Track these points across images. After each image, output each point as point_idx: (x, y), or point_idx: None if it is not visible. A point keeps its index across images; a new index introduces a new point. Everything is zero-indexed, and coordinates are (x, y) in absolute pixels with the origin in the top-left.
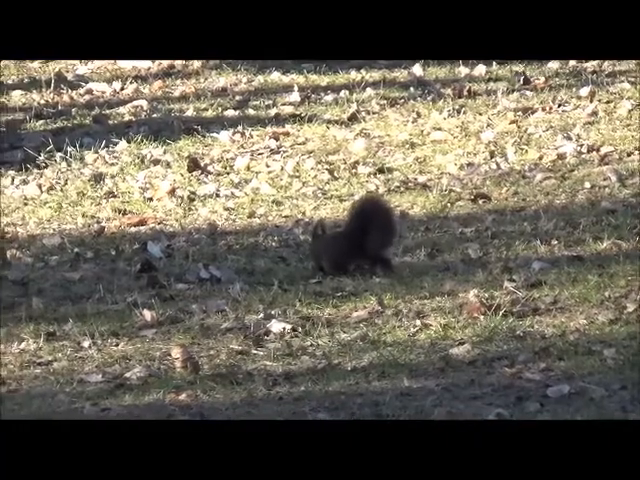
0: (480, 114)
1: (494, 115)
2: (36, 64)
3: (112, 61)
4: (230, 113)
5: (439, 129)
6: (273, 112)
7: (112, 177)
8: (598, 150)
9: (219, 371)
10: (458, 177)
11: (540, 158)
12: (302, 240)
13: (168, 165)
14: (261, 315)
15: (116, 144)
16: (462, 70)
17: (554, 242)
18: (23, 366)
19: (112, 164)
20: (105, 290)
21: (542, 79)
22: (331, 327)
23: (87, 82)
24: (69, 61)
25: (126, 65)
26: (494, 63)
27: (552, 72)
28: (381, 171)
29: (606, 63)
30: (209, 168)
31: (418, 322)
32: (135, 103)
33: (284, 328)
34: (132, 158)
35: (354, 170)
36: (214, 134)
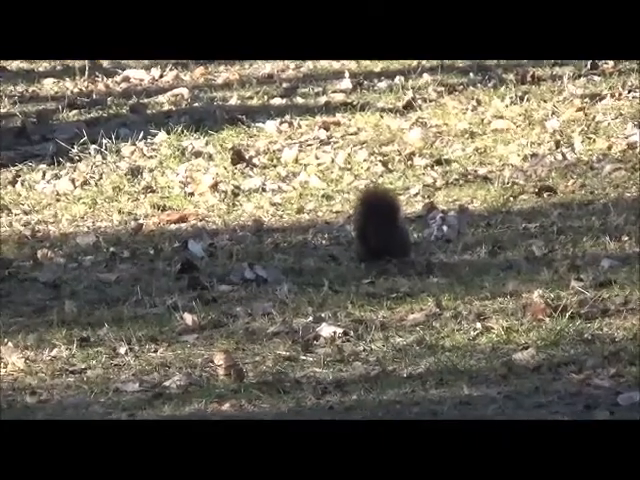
0: (545, 101)
1: (560, 102)
2: None
3: None
4: (277, 101)
5: (501, 117)
6: (323, 100)
7: (150, 171)
8: None
9: (265, 379)
10: (521, 169)
11: (609, 148)
12: (354, 237)
13: (210, 157)
14: (310, 318)
15: (155, 135)
16: None
17: (624, 238)
18: (55, 374)
19: (150, 157)
20: (143, 292)
21: (611, 63)
22: (385, 331)
23: (124, 69)
24: None
25: None
26: None
27: None
28: (439, 163)
29: None
30: (254, 160)
31: (479, 325)
32: (175, 91)
33: (335, 332)
34: (172, 150)
35: (409, 162)
36: (260, 124)
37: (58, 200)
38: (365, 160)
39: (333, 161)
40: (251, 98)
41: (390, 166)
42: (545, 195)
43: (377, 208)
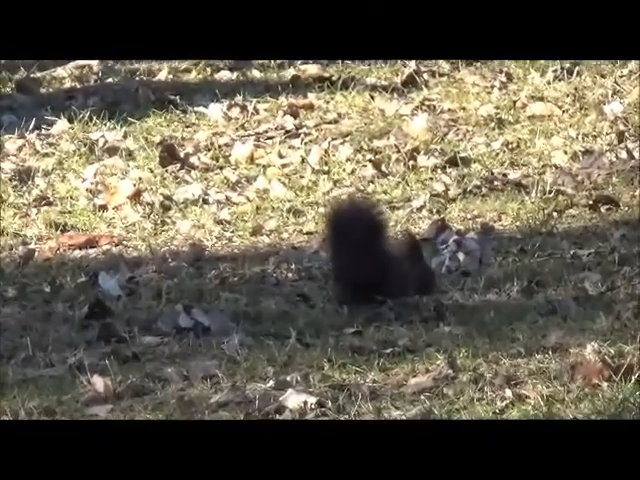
0: (603, 76)
1: (623, 78)
2: None
3: None
4: (224, 76)
5: (540, 99)
6: (289, 74)
7: (45, 174)
8: None
9: None
10: (569, 172)
11: None
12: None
13: (130, 155)
14: (271, 383)
15: (52, 124)
16: None
17: None
18: None
19: (46, 154)
20: (35, 346)
21: None
22: (377, 400)
23: None
24: None
25: None
26: None
27: None
28: (453, 163)
29: None
30: (192, 160)
31: (509, 392)
32: (80, 62)
33: (305, 402)
34: (76, 145)
35: (412, 162)
36: (200, 108)
37: None
38: (349, 159)
39: (304, 161)
40: (188, 71)
41: (385, 168)
42: (603, 209)
43: (349, 228)
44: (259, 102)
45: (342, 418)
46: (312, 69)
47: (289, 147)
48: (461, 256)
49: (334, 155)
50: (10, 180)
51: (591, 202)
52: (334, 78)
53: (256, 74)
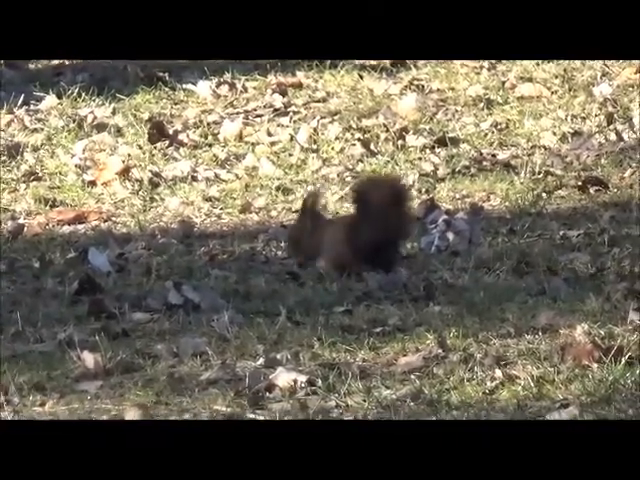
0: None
1: (612, 60)
2: None
3: None
4: None
5: (529, 80)
6: None
7: (34, 150)
8: None
9: None
10: (558, 153)
11: None
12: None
13: (119, 132)
14: (261, 361)
15: (40, 100)
16: None
17: None
18: None
19: (34, 130)
20: (24, 321)
21: None
22: (367, 379)
23: None
24: None
25: None
26: None
27: None
28: (442, 143)
29: None
30: (181, 137)
31: (498, 373)
32: None
33: (295, 380)
34: (65, 121)
35: (400, 141)
36: (188, 85)
37: None
38: (338, 138)
39: (292, 139)
40: None
41: (374, 147)
42: (592, 190)
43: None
44: (248, 80)
45: (332, 397)
46: None
47: (278, 125)
48: (450, 236)
49: (323, 134)
50: None
51: (580, 183)
52: None
53: None
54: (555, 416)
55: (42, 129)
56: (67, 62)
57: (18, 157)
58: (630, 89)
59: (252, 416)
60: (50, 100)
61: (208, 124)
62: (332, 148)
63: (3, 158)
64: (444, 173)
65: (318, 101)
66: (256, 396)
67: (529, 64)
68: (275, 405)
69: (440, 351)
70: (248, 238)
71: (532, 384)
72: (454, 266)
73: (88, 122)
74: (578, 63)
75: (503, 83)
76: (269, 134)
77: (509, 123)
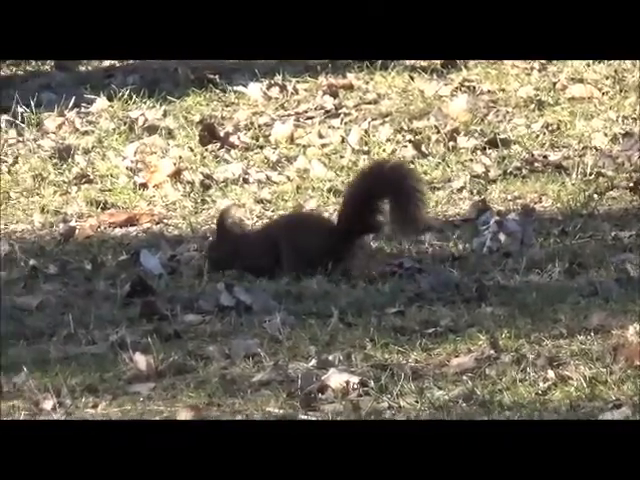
0: None
1: None
2: None
3: None
4: None
5: (580, 81)
6: None
7: (85, 152)
8: None
9: None
10: (610, 154)
11: None
12: (375, 248)
13: (170, 134)
14: (313, 362)
15: (91, 102)
16: None
17: None
18: None
19: (85, 132)
20: (76, 323)
21: None
22: (419, 380)
23: None
24: None
25: None
26: None
27: None
28: (493, 144)
29: None
30: (232, 139)
31: (551, 373)
32: None
33: (348, 382)
34: (115, 124)
35: (452, 143)
36: (239, 87)
37: None
38: (389, 140)
39: (344, 141)
40: None
41: (424, 149)
42: None
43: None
44: (299, 82)
45: (384, 398)
46: None
47: (329, 127)
48: (502, 237)
49: (374, 135)
50: (50, 158)
51: (631, 184)
52: None
53: None
54: (608, 416)
55: (93, 131)
56: (118, 64)
57: (69, 160)
58: None
59: (304, 417)
60: (101, 102)
61: (259, 126)
62: (383, 150)
63: (54, 161)
64: (495, 174)
65: (369, 103)
66: (308, 397)
67: (580, 65)
68: (327, 406)
69: (492, 352)
70: None
71: (584, 385)
72: (506, 267)
73: (139, 124)
74: (629, 64)
75: (554, 84)
76: (320, 136)
77: (560, 124)
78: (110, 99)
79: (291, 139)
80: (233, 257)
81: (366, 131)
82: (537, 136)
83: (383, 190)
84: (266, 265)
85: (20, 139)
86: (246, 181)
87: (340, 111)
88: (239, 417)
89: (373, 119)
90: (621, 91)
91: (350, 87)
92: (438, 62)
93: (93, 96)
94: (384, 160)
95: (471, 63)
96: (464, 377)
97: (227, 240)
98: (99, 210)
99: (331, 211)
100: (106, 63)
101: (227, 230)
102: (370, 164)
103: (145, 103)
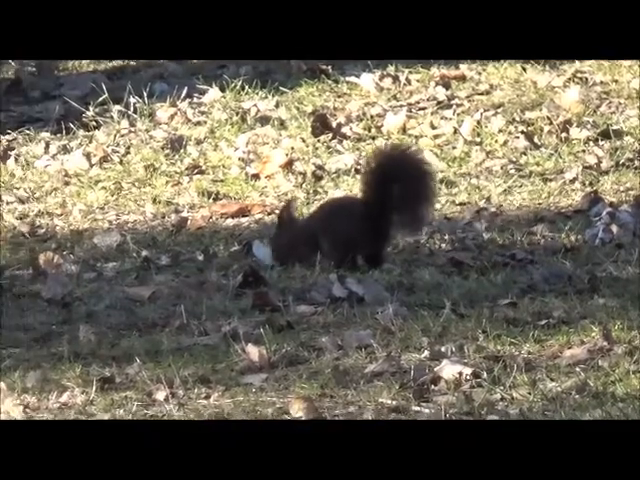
0: None
1: None
2: None
3: None
4: None
5: None
6: None
7: (198, 143)
8: None
9: None
10: None
11: None
12: (487, 239)
13: (282, 125)
14: (426, 353)
15: (204, 93)
16: None
17: None
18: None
19: (197, 123)
20: (189, 314)
21: None
22: (532, 372)
23: None
24: None
25: None
26: None
27: None
28: (606, 135)
29: None
30: (344, 130)
31: None
32: None
33: (460, 373)
34: (228, 114)
35: (564, 134)
36: (352, 78)
37: (67, 183)
38: (501, 131)
39: (456, 132)
40: None
41: (537, 140)
42: None
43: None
44: (411, 73)
45: (497, 389)
46: None
47: (441, 118)
48: (615, 228)
49: (486, 126)
50: (162, 148)
51: None
52: None
53: None
54: None
55: (205, 122)
56: None
57: (181, 150)
58: None
59: (417, 409)
60: (213, 93)
61: (371, 117)
62: (495, 141)
63: (166, 151)
64: (608, 166)
65: (481, 94)
66: (421, 388)
67: None
68: (440, 398)
69: (605, 343)
70: None
71: None
72: (618, 259)
73: (251, 115)
74: None
75: None
76: (432, 127)
77: None
78: (222, 90)
79: (403, 130)
80: (288, 249)
81: (478, 122)
82: None
83: (393, 176)
84: (306, 254)
85: (132, 130)
86: (358, 172)
87: (452, 102)
88: (352, 408)
89: (485, 110)
90: None
91: (462, 78)
92: None
93: (205, 87)
94: (398, 145)
95: None
96: (577, 369)
97: (284, 232)
98: (211, 201)
99: (443, 202)
100: None
101: (286, 222)
102: (384, 146)
103: (257, 94)
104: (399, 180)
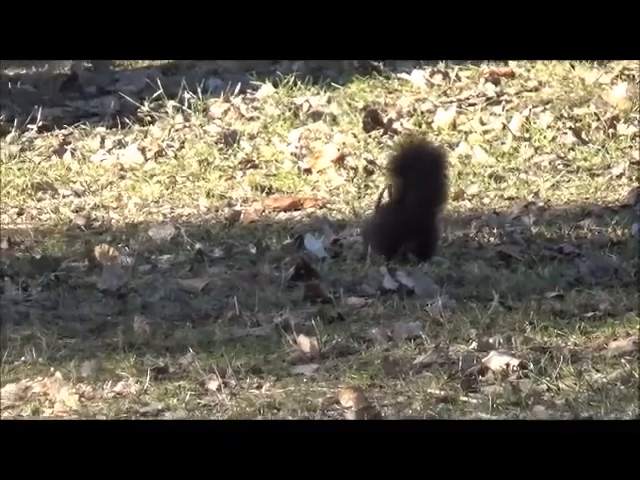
0: None
1: None
2: None
3: None
4: None
5: None
6: None
7: (251, 138)
8: None
9: None
10: None
11: None
12: (535, 233)
13: (334, 120)
14: (474, 345)
15: (257, 88)
16: None
17: None
18: (121, 417)
19: (251, 118)
20: (241, 306)
21: None
22: (578, 363)
23: None
24: None
25: None
26: None
27: None
28: None
29: None
30: (395, 126)
31: None
32: None
33: (508, 364)
34: (280, 110)
35: (612, 130)
36: (403, 74)
37: (122, 177)
38: (550, 127)
39: (505, 127)
40: None
41: (585, 136)
42: None
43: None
44: (461, 69)
45: (543, 380)
46: None
47: (490, 114)
48: None
49: (535, 122)
50: (216, 143)
51: None
52: None
53: None
54: None
55: (258, 117)
56: None
57: (235, 145)
58: None
59: (465, 399)
60: (266, 89)
61: (422, 113)
62: (544, 136)
63: (220, 146)
64: None
65: (530, 90)
66: (469, 379)
67: None
68: (487, 388)
69: None
70: (461, 225)
71: None
72: None
73: (304, 111)
74: None
75: None
76: (482, 122)
77: None
78: (275, 85)
79: (453, 125)
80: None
81: (527, 118)
82: None
83: (406, 168)
84: (364, 251)
85: (187, 125)
86: None
87: (502, 98)
88: (400, 398)
89: (534, 106)
90: None
91: (511, 75)
92: None
93: (259, 82)
94: (418, 140)
95: None
96: (622, 360)
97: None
98: (264, 195)
99: (491, 196)
100: None
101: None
102: (409, 140)
103: (310, 90)
104: (409, 172)
